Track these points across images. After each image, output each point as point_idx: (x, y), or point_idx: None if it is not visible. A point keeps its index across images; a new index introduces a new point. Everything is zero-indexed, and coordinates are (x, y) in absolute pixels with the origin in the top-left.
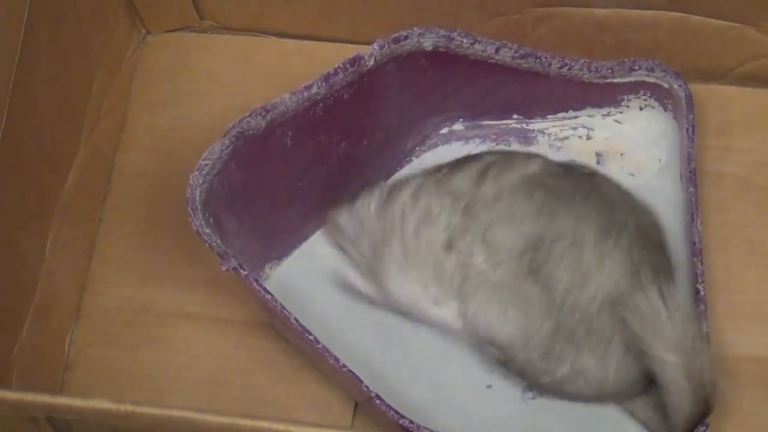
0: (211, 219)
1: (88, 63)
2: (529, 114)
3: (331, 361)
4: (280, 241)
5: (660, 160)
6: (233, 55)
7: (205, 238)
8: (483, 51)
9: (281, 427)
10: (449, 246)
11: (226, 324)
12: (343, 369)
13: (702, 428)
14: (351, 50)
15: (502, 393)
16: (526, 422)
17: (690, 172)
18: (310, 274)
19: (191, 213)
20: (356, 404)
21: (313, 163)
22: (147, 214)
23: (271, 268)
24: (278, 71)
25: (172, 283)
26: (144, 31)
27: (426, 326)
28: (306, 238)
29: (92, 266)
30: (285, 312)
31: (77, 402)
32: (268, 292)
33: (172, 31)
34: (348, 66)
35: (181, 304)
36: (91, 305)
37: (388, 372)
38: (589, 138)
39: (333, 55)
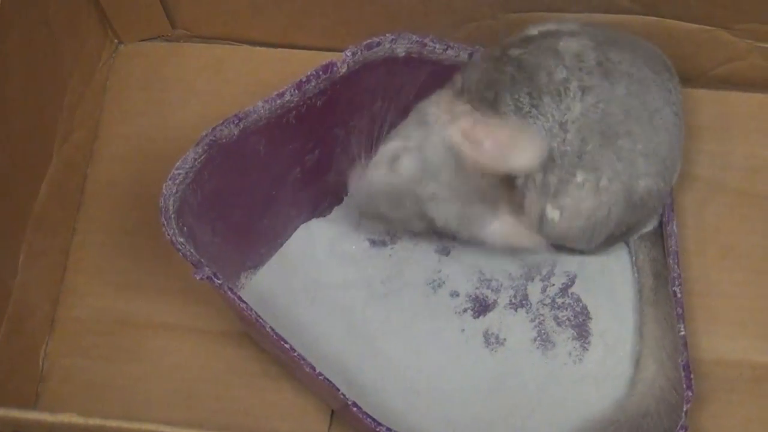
0: (185, 228)
1: (60, 73)
2: None
3: (307, 369)
4: (255, 250)
5: None
6: (206, 63)
7: (179, 247)
8: (456, 56)
9: None
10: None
11: (201, 334)
12: (320, 377)
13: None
14: (324, 57)
15: (481, 399)
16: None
17: None
18: (285, 282)
19: (164, 222)
20: (332, 412)
21: (286, 170)
22: (121, 224)
23: (246, 277)
24: (251, 79)
25: (147, 293)
26: (116, 40)
27: (402, 335)
28: (281, 245)
29: (66, 277)
30: (260, 321)
31: (46, 417)
32: (243, 301)
33: (145, 40)
34: (320, 73)
35: (156, 315)
36: (66, 317)
37: (365, 380)
38: None
39: (306, 63)
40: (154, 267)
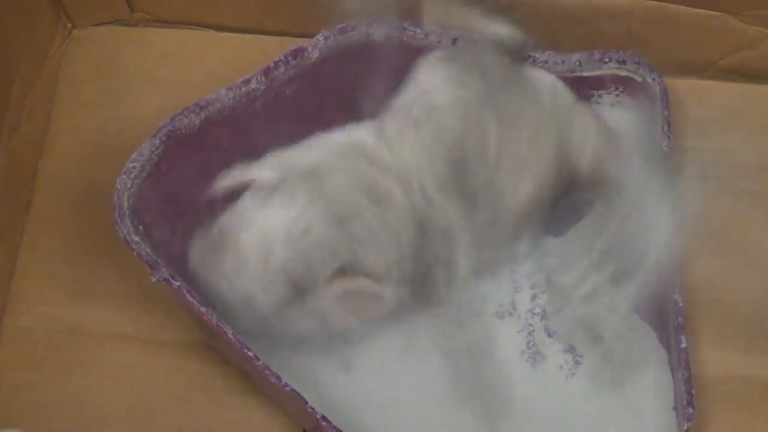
0: (141, 227)
1: (7, 61)
2: None
3: (273, 380)
4: None
5: None
6: (168, 50)
7: (134, 246)
8: (438, 42)
9: None
10: None
11: (161, 346)
12: (286, 388)
13: None
14: (295, 43)
15: (464, 414)
16: None
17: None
18: None
19: (118, 220)
20: None
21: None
22: (74, 225)
23: None
24: (217, 67)
25: (103, 301)
26: (70, 25)
27: (376, 346)
28: None
29: (13, 284)
30: (221, 326)
31: None
32: (203, 305)
33: (101, 24)
34: (290, 59)
35: (112, 325)
36: (13, 326)
37: (337, 394)
38: None
39: (275, 49)
40: (110, 272)
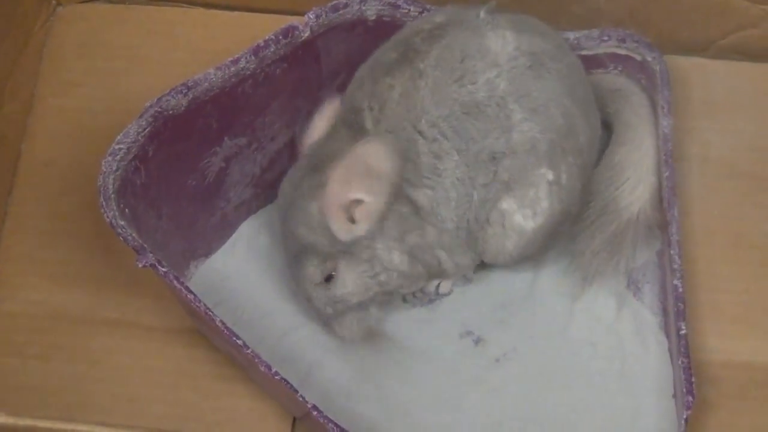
0: (127, 210)
1: None
2: None
3: (262, 368)
4: (206, 236)
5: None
6: (154, 28)
7: (119, 230)
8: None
9: None
10: None
11: (147, 331)
12: (276, 377)
13: None
14: (285, 21)
15: (453, 405)
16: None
17: (665, 154)
18: (240, 271)
19: (103, 203)
20: (294, 420)
21: (242, 146)
22: (58, 208)
23: (196, 266)
24: (205, 46)
25: (87, 285)
26: (54, 2)
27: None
28: (236, 231)
29: None
30: (210, 314)
31: None
32: (191, 292)
33: (86, 1)
34: (280, 37)
35: (97, 309)
36: None
37: (329, 382)
38: None
39: (265, 27)
40: (95, 256)
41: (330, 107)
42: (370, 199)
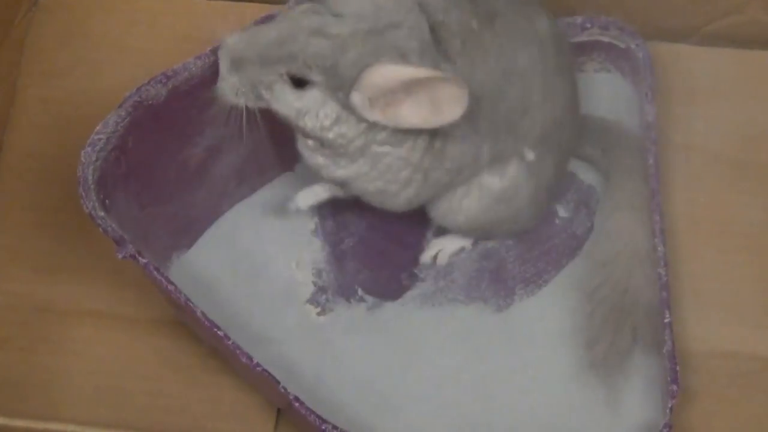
0: (107, 201)
1: None
2: None
3: (244, 360)
4: (188, 227)
5: None
6: (137, 17)
7: (99, 221)
8: None
9: None
10: None
11: (131, 323)
12: (257, 368)
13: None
14: (268, 10)
15: (435, 392)
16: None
17: (650, 142)
18: (222, 262)
19: (83, 194)
20: (279, 411)
21: (224, 137)
22: (40, 199)
23: (178, 257)
24: (189, 35)
25: (71, 277)
26: None
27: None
28: (217, 221)
29: None
30: (191, 305)
31: None
32: (171, 283)
33: None
34: None
35: (81, 301)
36: None
37: (310, 372)
38: None
39: (248, 16)
40: (78, 247)
41: None
42: (410, 120)
